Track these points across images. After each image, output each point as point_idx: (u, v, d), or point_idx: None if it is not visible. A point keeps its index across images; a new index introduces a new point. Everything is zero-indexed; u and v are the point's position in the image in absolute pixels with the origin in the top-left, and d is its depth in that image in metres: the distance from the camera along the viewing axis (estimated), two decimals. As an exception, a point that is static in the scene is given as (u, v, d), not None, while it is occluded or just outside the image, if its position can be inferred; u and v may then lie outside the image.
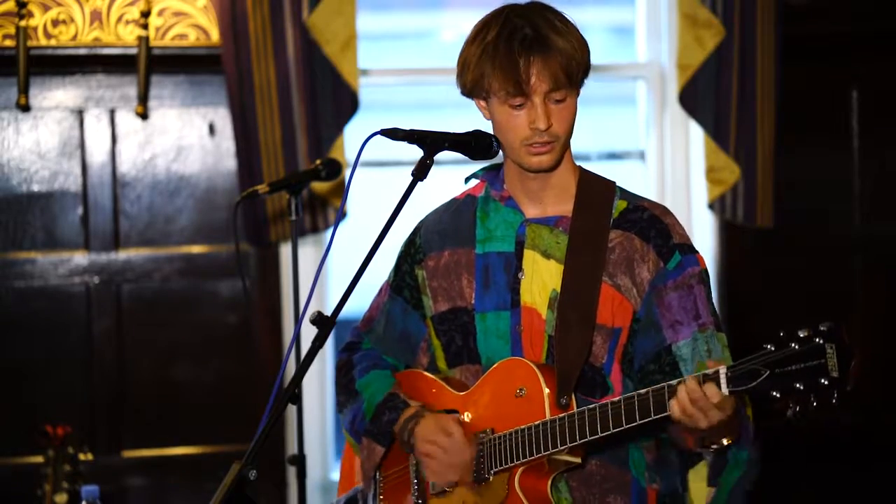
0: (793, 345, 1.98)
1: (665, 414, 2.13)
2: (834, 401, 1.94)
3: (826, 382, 1.94)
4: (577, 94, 2.35)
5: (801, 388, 1.95)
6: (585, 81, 2.36)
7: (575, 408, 2.28)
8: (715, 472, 2.25)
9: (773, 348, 2.00)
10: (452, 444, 2.37)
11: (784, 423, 2.01)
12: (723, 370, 2.07)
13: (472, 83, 2.33)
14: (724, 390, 2.06)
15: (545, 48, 2.27)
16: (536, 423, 2.28)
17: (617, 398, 2.20)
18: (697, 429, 2.13)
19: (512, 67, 2.26)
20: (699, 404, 2.08)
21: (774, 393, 1.98)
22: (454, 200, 2.57)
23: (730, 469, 2.25)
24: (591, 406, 2.22)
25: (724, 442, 2.19)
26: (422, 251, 2.54)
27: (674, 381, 2.13)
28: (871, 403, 4.51)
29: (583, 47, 2.32)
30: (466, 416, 2.42)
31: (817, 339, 1.96)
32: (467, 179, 2.54)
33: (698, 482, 2.28)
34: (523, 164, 2.36)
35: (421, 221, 2.59)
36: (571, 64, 2.28)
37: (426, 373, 2.53)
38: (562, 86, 2.28)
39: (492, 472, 2.35)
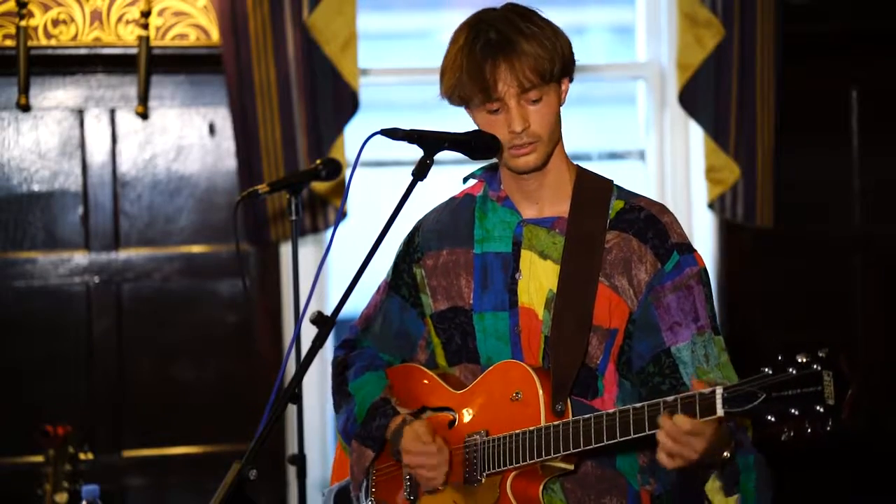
0: (790, 370, 1.96)
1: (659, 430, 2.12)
2: (829, 428, 1.93)
3: (822, 410, 1.93)
4: (560, 89, 2.33)
5: (797, 413, 1.95)
6: (574, 74, 2.35)
7: (570, 413, 2.28)
8: (731, 480, 2.23)
9: (770, 372, 1.99)
10: (429, 450, 2.37)
11: (780, 445, 2.00)
12: (719, 391, 2.05)
13: (448, 93, 2.34)
14: (720, 411, 2.05)
15: (509, 52, 2.26)
16: (531, 428, 2.28)
17: (612, 410, 2.20)
18: (692, 463, 2.12)
19: (478, 74, 2.26)
20: (676, 438, 2.08)
21: (769, 417, 1.98)
22: (453, 199, 2.57)
23: (744, 475, 2.24)
24: (586, 416, 2.22)
25: (725, 455, 2.18)
26: (420, 250, 2.54)
27: (669, 398, 2.12)
28: (871, 406, 4.51)
29: (556, 44, 2.29)
30: (461, 416, 2.42)
31: (815, 366, 1.94)
32: (465, 179, 2.54)
33: (717, 495, 2.25)
34: (510, 166, 2.37)
35: (420, 220, 2.59)
36: (541, 63, 2.27)
37: (423, 367, 2.53)
38: (533, 86, 2.28)
39: (484, 474, 2.35)
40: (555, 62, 2.29)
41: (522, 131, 2.29)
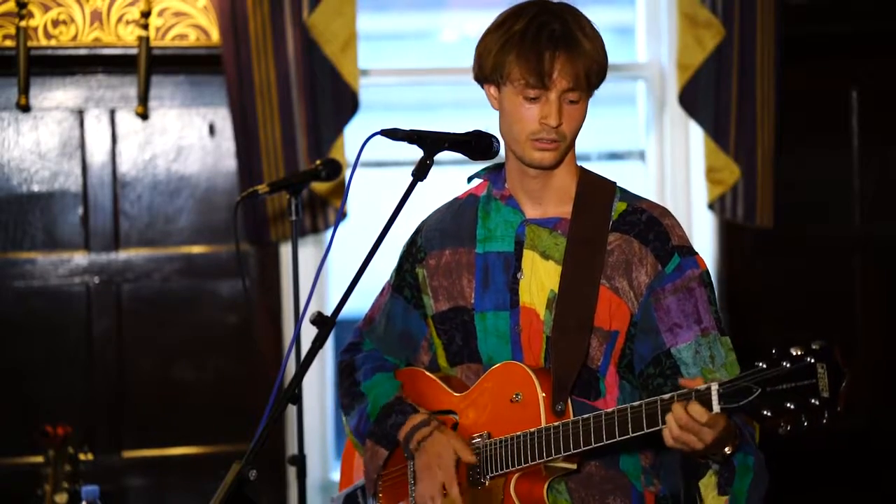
0: (784, 363, 1.96)
1: (657, 428, 2.12)
2: (825, 421, 1.93)
3: (817, 403, 1.93)
4: (589, 100, 2.35)
5: (792, 407, 1.94)
6: (597, 91, 2.37)
7: (571, 414, 2.28)
8: (726, 480, 2.23)
9: (764, 366, 1.99)
10: (451, 474, 2.35)
11: (776, 438, 2.01)
12: (714, 387, 2.05)
13: (490, 68, 2.32)
14: (716, 407, 2.05)
15: (572, 46, 2.27)
16: (532, 430, 2.27)
17: (611, 409, 2.19)
18: (695, 451, 2.13)
19: (537, 58, 2.26)
20: (689, 427, 2.08)
21: (765, 412, 1.97)
22: (456, 200, 2.56)
23: (740, 476, 2.23)
24: (585, 416, 2.22)
25: (727, 451, 2.17)
26: (423, 250, 2.54)
27: (665, 396, 2.12)
28: (870, 405, 4.51)
29: (604, 55, 2.33)
30: (463, 419, 2.42)
31: (809, 359, 1.94)
32: (470, 179, 2.53)
33: (711, 491, 2.25)
34: (524, 158, 2.35)
35: (423, 221, 2.59)
36: (593, 67, 2.29)
37: (426, 371, 2.53)
38: (580, 87, 2.29)
39: (488, 476, 2.34)
40: (602, 71, 2.32)
41: (555, 127, 2.29)
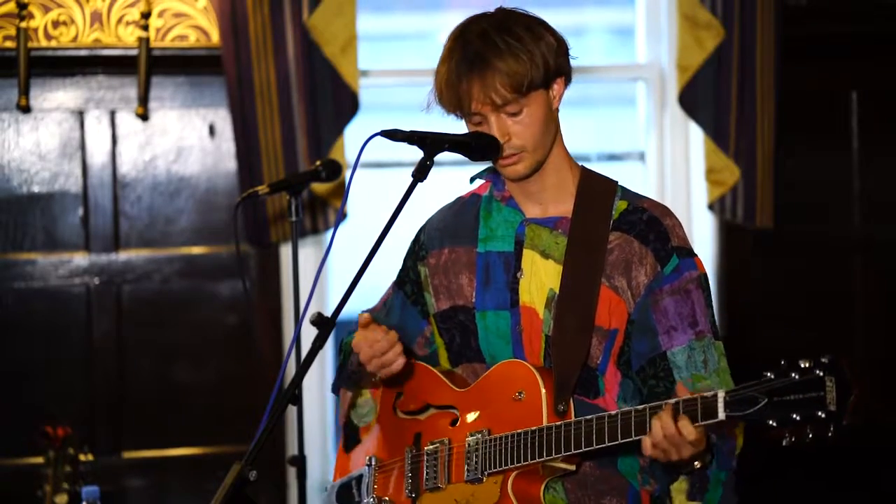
0: (793, 374, 1.97)
1: None
2: (830, 434, 1.94)
3: (823, 415, 1.94)
4: (548, 95, 2.32)
5: (798, 419, 1.95)
6: (570, 75, 2.34)
7: (573, 413, 2.29)
8: (698, 489, 2.26)
9: (772, 376, 2.00)
10: (370, 334, 2.38)
11: (780, 448, 2.01)
12: (721, 394, 2.06)
13: (438, 103, 2.37)
14: (721, 415, 2.06)
15: (481, 68, 2.26)
16: (533, 429, 2.28)
17: (614, 412, 2.20)
18: (668, 461, 2.15)
19: (454, 90, 2.29)
20: (672, 440, 2.10)
21: (771, 422, 1.98)
22: (459, 199, 2.58)
23: (713, 487, 2.26)
24: (588, 417, 2.22)
25: (696, 465, 2.20)
26: (425, 248, 2.56)
27: (671, 401, 2.12)
28: (869, 406, 4.51)
29: (534, 54, 2.27)
30: (464, 414, 2.43)
31: (817, 371, 1.95)
32: (472, 179, 2.55)
33: (680, 496, 2.28)
34: (502, 174, 2.39)
35: (428, 219, 2.61)
36: (514, 78, 2.26)
37: (428, 366, 2.54)
38: (507, 101, 2.28)
39: (486, 473, 2.35)
40: (531, 74, 2.27)
41: (504, 144, 2.30)
